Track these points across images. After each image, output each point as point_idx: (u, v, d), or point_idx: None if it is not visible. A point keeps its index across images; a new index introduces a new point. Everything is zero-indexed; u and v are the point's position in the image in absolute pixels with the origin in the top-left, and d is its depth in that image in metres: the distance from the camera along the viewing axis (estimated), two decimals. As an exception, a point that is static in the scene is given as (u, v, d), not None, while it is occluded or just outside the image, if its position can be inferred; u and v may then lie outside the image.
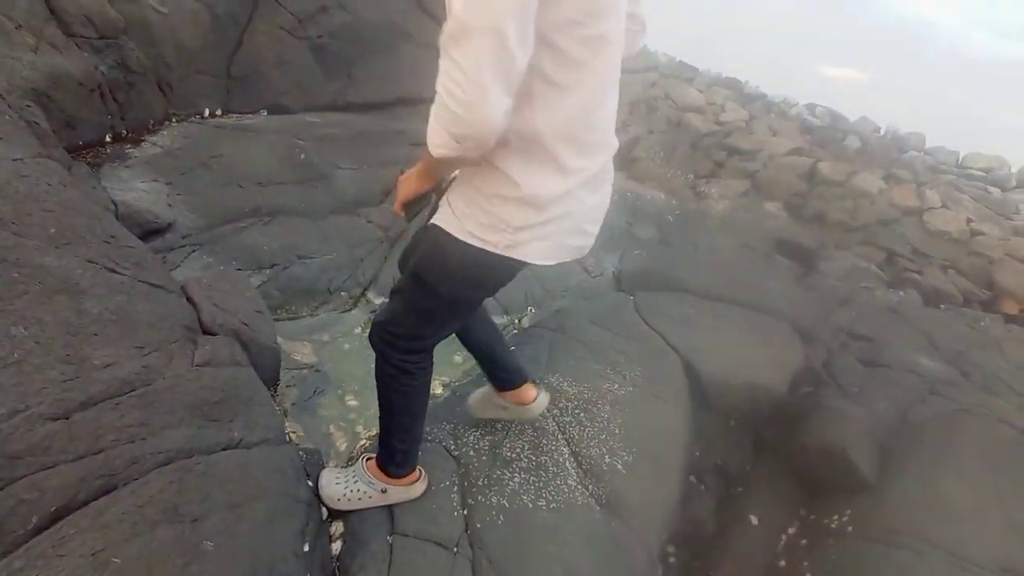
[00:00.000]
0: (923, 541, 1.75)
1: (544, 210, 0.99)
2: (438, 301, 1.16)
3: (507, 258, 1.02)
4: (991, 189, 7.19)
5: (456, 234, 1.03)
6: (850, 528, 1.92)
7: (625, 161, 6.16)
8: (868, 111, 9.31)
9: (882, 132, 8.89)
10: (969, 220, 6.05)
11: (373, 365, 2.22)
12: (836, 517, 1.99)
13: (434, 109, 0.87)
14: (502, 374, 1.61)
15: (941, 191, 6.63)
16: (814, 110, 9.33)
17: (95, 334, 1.21)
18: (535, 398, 1.65)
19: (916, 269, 5.22)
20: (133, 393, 1.17)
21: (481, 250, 1.02)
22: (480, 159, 0.94)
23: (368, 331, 1.29)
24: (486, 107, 0.81)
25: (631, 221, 4.64)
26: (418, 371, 1.29)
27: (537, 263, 1.06)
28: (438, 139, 0.88)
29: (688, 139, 6.86)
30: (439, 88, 0.84)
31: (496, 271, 1.09)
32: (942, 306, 4.73)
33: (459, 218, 1.03)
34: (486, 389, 1.71)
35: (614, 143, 1.10)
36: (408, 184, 1.14)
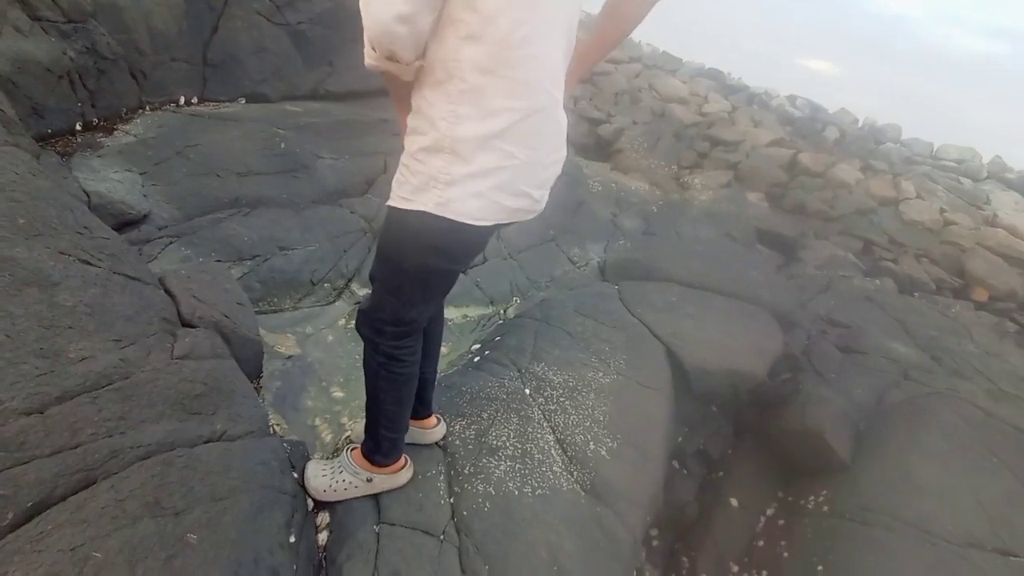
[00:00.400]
0: (894, 518, 1.82)
1: (468, 160, 0.96)
2: (406, 277, 1.15)
3: (444, 219, 1.00)
4: (963, 180, 7.40)
5: (397, 204, 1.05)
6: (826, 508, 1.99)
7: (609, 152, 6.17)
8: (847, 103, 9.49)
9: (860, 124, 9.07)
10: (942, 210, 6.22)
11: (357, 357, 2.20)
12: (812, 498, 2.05)
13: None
14: (418, 404, 1.58)
15: (916, 182, 6.80)
16: (795, 102, 9.47)
17: (69, 327, 1.18)
18: (435, 425, 1.67)
19: (892, 258, 5.35)
20: (110, 387, 1.15)
21: (422, 213, 1.01)
22: (405, 73, 0.95)
23: (354, 322, 1.29)
24: (382, 5, 0.84)
25: (616, 212, 4.67)
26: (406, 357, 1.28)
27: (470, 223, 1.01)
28: (365, 47, 0.93)
29: (671, 130, 6.89)
30: None
31: (443, 235, 1.04)
32: (916, 294, 4.87)
33: (398, 189, 1.05)
34: None
35: (555, 93, 1.02)
36: (394, 105, 1.14)
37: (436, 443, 1.70)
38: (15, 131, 1.88)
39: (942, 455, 2.10)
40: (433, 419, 1.68)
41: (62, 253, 1.33)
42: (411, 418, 1.61)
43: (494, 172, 0.99)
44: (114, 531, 0.95)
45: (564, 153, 1.12)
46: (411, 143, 1.02)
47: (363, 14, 0.87)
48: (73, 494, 0.96)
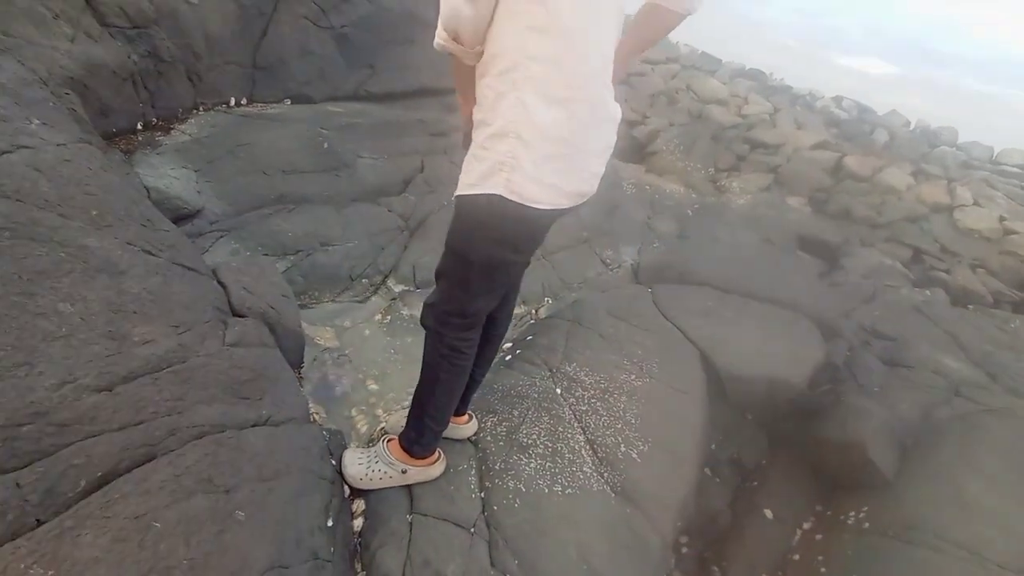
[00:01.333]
0: (942, 539, 1.73)
1: (533, 146, 1.01)
2: (472, 269, 1.18)
3: (509, 201, 1.04)
4: (1026, 186, 6.95)
5: (464, 191, 1.10)
6: (867, 524, 1.91)
7: (644, 154, 6.10)
8: (898, 104, 9.07)
9: (912, 126, 8.65)
10: (1002, 218, 5.87)
11: (392, 351, 2.26)
12: (853, 513, 1.98)
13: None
14: (460, 402, 1.63)
15: (973, 188, 6.43)
16: (841, 103, 9.12)
17: (134, 312, 1.27)
18: (467, 421, 1.71)
19: (944, 268, 5.09)
20: (169, 369, 1.22)
21: (490, 197, 1.05)
22: (468, 57, 1.06)
23: (419, 316, 1.33)
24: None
25: (650, 214, 4.62)
26: (468, 349, 1.33)
27: (534, 205, 1.06)
28: (438, 29, 1.05)
29: (709, 132, 6.76)
30: None
31: (509, 220, 1.08)
32: (970, 306, 4.62)
33: (464, 177, 1.10)
34: None
35: (608, 83, 1.09)
36: (458, 97, 1.23)
37: (468, 438, 1.73)
38: (87, 129, 2.02)
39: (996, 475, 1.99)
40: (466, 416, 1.72)
41: (128, 243, 1.43)
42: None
43: (555, 157, 1.03)
44: (172, 503, 1.02)
45: (614, 140, 1.16)
46: (479, 133, 1.08)
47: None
48: (137, 467, 1.03)
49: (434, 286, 1.30)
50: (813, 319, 2.98)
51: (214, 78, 3.32)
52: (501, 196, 1.04)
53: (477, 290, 1.23)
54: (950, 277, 4.93)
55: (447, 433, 1.67)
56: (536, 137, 1.01)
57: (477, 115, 1.09)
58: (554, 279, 3.20)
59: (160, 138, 2.84)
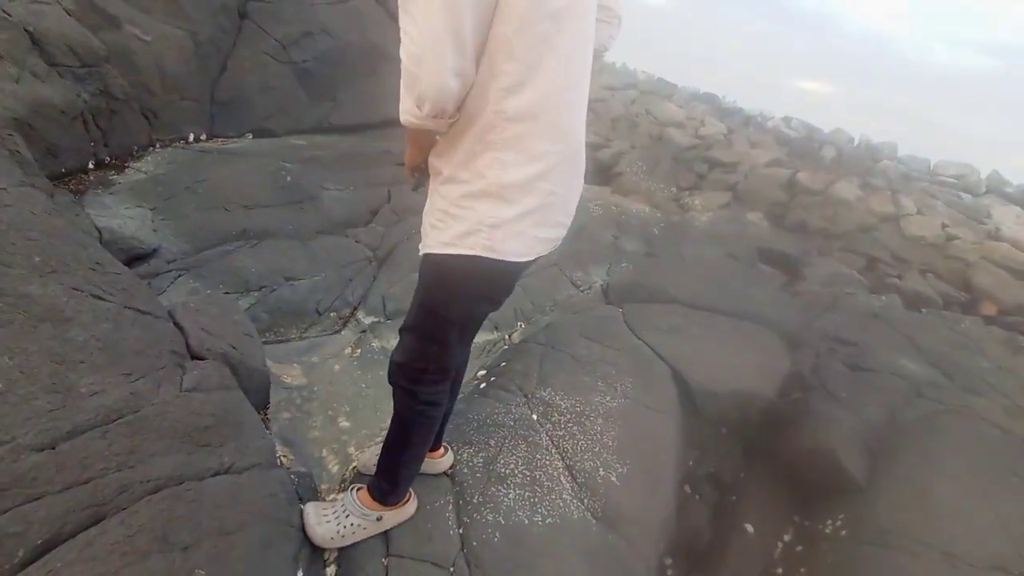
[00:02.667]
0: (915, 541, 1.77)
1: (513, 202, 0.99)
2: (450, 325, 1.16)
3: (490, 260, 1.02)
4: (963, 195, 7.45)
5: (439, 251, 1.05)
6: (844, 532, 1.93)
7: (609, 176, 6.26)
8: (841, 122, 9.64)
9: (856, 142, 9.19)
10: (944, 225, 6.24)
11: (364, 385, 2.20)
12: (830, 522, 2.00)
13: (402, 78, 0.92)
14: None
15: (915, 198, 6.84)
16: (790, 123, 9.63)
17: (81, 362, 1.20)
18: (442, 455, 1.67)
19: (896, 274, 5.34)
20: (121, 420, 1.15)
21: (469, 257, 1.02)
22: (442, 127, 0.98)
23: (387, 374, 1.27)
24: (438, 62, 0.86)
25: (617, 235, 4.71)
26: (443, 399, 1.30)
27: (514, 259, 1.04)
28: (403, 104, 0.95)
29: (670, 153, 7.00)
30: (400, 52, 0.89)
31: (490, 278, 1.08)
32: (923, 309, 4.84)
33: (438, 235, 1.06)
34: None
35: (583, 128, 1.08)
36: (408, 154, 1.16)
37: (444, 472, 1.68)
38: (31, 171, 1.94)
39: (960, 475, 2.06)
40: (441, 448, 1.67)
41: (75, 289, 1.36)
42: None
43: (536, 210, 1.02)
44: (123, 567, 0.94)
45: (583, 178, 1.16)
46: (451, 190, 1.03)
47: (414, 75, 0.89)
48: (83, 530, 0.96)
49: (401, 336, 1.24)
50: (778, 330, 3.07)
51: (171, 115, 3.26)
52: (482, 256, 1.02)
53: (453, 346, 1.21)
54: (902, 282, 5.17)
55: (423, 469, 1.62)
56: (516, 194, 0.99)
57: (443, 168, 1.05)
58: (526, 303, 3.21)
59: (113, 177, 2.75)
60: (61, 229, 1.53)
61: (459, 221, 1.02)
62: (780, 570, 1.95)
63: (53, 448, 1.01)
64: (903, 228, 6.10)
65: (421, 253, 1.12)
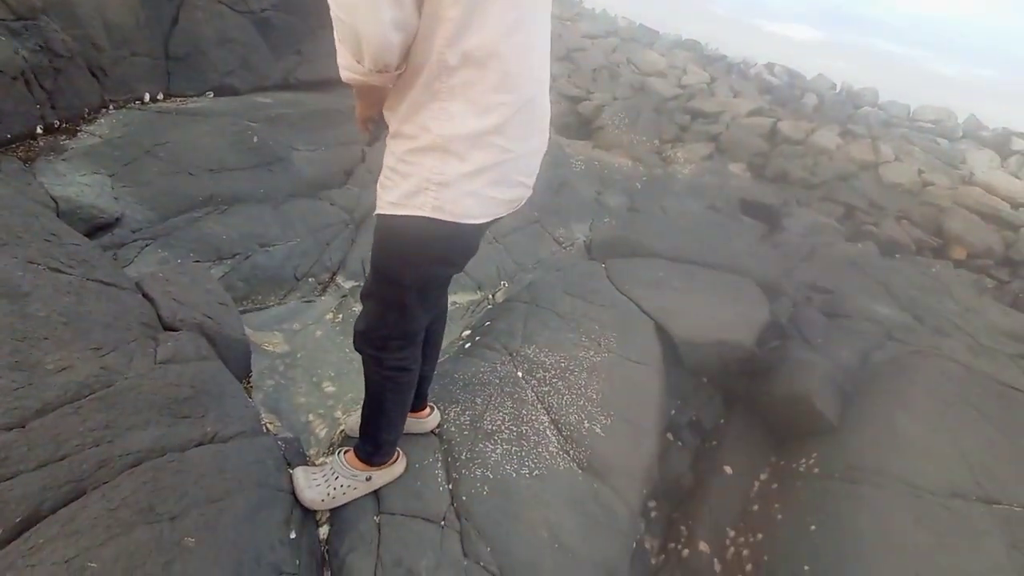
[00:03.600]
0: (881, 475, 1.87)
1: (463, 158, 0.92)
2: (407, 291, 1.11)
3: (440, 221, 0.96)
4: (940, 140, 7.50)
5: (387, 211, 1.00)
6: (816, 469, 2.03)
7: (591, 129, 6.12)
8: (824, 68, 9.50)
9: (838, 89, 9.11)
10: (920, 172, 6.31)
11: (347, 350, 2.18)
12: (804, 460, 2.10)
13: (335, 31, 0.85)
14: (415, 398, 1.59)
15: (895, 145, 6.87)
16: (773, 69, 9.46)
17: (45, 338, 1.15)
18: (429, 414, 1.68)
19: (873, 222, 5.42)
20: (93, 396, 1.12)
21: (417, 219, 0.96)
22: (388, 81, 0.90)
23: (352, 342, 1.24)
24: (374, 11, 0.78)
25: (600, 190, 4.65)
26: (411, 365, 1.27)
27: (468, 222, 0.98)
28: (340, 59, 0.87)
29: (652, 104, 6.85)
30: (331, 4, 0.81)
31: (441, 239, 1.01)
32: (897, 256, 4.95)
33: (385, 195, 1.01)
34: None
35: (542, 78, 0.99)
36: (358, 107, 1.07)
37: (431, 431, 1.70)
38: (-29, 137, 1.80)
39: (925, 411, 2.16)
40: (427, 409, 1.68)
41: (31, 262, 1.29)
42: (410, 412, 1.61)
43: (490, 168, 0.95)
44: (108, 540, 0.94)
45: (547, 136, 1.09)
46: (397, 145, 0.97)
47: (349, 29, 0.81)
48: (63, 506, 0.94)
49: (363, 303, 1.19)
50: (758, 281, 3.11)
51: (122, 72, 3.04)
52: (430, 218, 0.95)
53: (414, 310, 1.16)
54: (878, 230, 5.26)
55: (411, 428, 1.65)
56: (465, 148, 0.91)
57: (391, 122, 0.98)
58: (508, 262, 3.18)
59: (65, 142, 2.58)
60: (9, 199, 1.44)
61: (405, 179, 0.96)
62: (756, 507, 2.06)
63: (23, 427, 0.98)
64: (881, 175, 6.15)
65: (374, 214, 1.07)
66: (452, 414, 1.78)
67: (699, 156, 6.00)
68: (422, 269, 1.08)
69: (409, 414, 1.61)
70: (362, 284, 2.59)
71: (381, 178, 1.03)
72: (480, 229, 1.05)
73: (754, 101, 7.53)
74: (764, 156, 6.27)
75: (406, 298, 1.12)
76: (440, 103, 0.90)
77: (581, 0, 11.53)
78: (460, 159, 0.92)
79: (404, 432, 1.62)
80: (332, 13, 0.82)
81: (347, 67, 0.88)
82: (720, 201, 4.99)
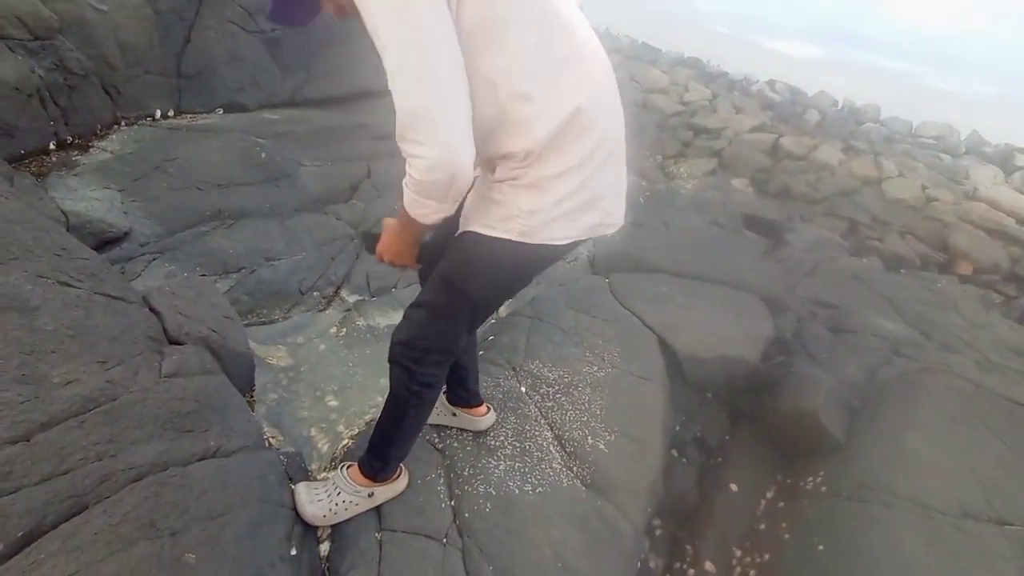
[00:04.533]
0: (891, 494, 1.84)
1: (550, 191, 0.99)
2: (468, 304, 1.14)
3: (526, 244, 1.02)
4: (943, 156, 7.51)
5: (479, 230, 1.05)
6: (824, 488, 2.00)
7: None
8: (825, 85, 9.59)
9: (839, 106, 9.16)
10: (924, 187, 6.30)
11: (351, 364, 2.19)
12: (811, 479, 2.07)
13: (417, 193, 0.91)
14: (462, 392, 1.66)
15: (897, 160, 6.88)
16: (774, 86, 9.54)
17: (52, 351, 1.16)
18: (485, 413, 1.72)
19: (877, 237, 5.41)
20: (98, 409, 1.13)
21: (505, 241, 1.02)
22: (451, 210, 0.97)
23: (388, 354, 1.25)
24: (460, 159, 0.85)
25: (602, 205, 4.67)
26: (439, 383, 1.29)
27: (553, 243, 1.04)
28: (420, 210, 0.94)
29: (655, 120, 6.92)
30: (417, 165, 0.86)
31: (522, 261, 1.07)
32: (902, 271, 4.93)
33: (479, 218, 1.06)
34: (440, 398, 1.71)
35: (612, 119, 1.05)
36: (390, 244, 1.13)
37: (435, 447, 1.69)
38: (-14, 154, 1.84)
39: (934, 429, 2.13)
40: (484, 406, 1.72)
41: (40, 276, 1.31)
42: (461, 406, 1.69)
43: (572, 195, 1.00)
44: (109, 556, 0.94)
45: (624, 169, 1.12)
46: (493, 176, 1.04)
47: (443, 171, 0.84)
48: (65, 521, 0.94)
49: (409, 314, 1.21)
50: (762, 296, 3.10)
51: (134, 90, 3.11)
52: (516, 241, 1.01)
53: (462, 325, 1.19)
54: (882, 245, 5.25)
55: (465, 426, 1.72)
56: (551, 183, 0.98)
57: (489, 195, 1.05)
58: (512, 276, 3.19)
59: (77, 157, 2.63)
60: (21, 214, 1.46)
61: (500, 207, 1.02)
62: (763, 526, 2.03)
63: (27, 440, 0.99)
64: (884, 191, 6.15)
65: (460, 231, 1.11)
66: (454, 429, 1.77)
67: (702, 171, 6.04)
68: (493, 286, 1.13)
69: (465, 411, 1.69)
70: (366, 298, 2.63)
71: (473, 202, 1.09)
72: (558, 252, 1.08)
73: (756, 117, 7.58)
74: (767, 172, 6.30)
75: (464, 310, 1.15)
76: (523, 187, 0.99)
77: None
78: (547, 192, 0.99)
79: (460, 428, 1.72)
80: (417, 177, 0.86)
81: (436, 212, 0.93)
82: (723, 216, 5.00)
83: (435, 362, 1.22)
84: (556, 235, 1.03)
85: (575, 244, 1.10)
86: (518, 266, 1.10)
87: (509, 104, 0.90)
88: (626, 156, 1.12)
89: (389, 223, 1.13)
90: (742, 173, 6.20)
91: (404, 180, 0.89)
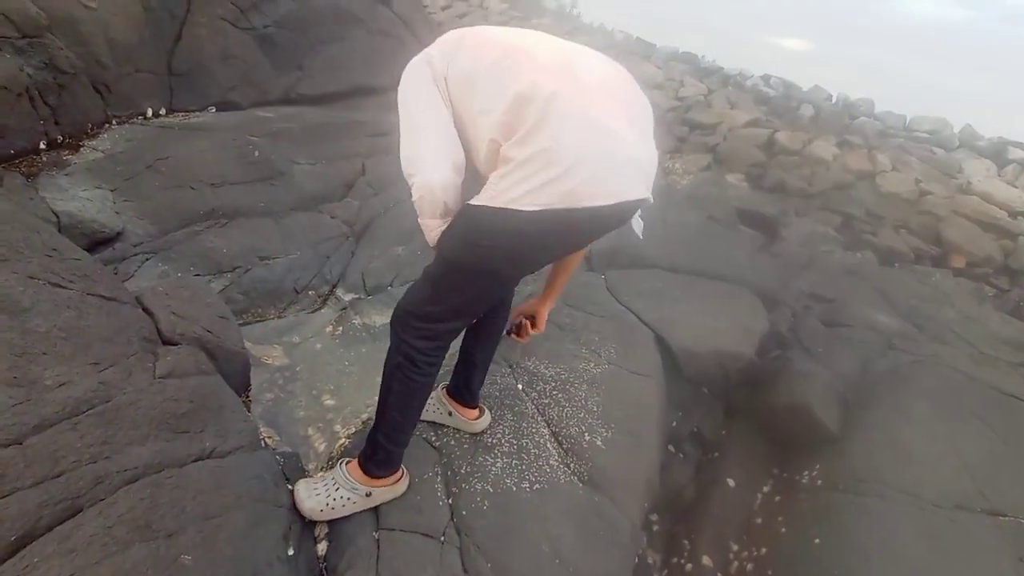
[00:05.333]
0: (884, 486, 1.85)
1: (514, 158, 1.03)
2: (456, 272, 1.16)
3: (494, 208, 1.03)
4: (936, 150, 7.53)
5: (478, 202, 1.07)
6: (819, 481, 2.02)
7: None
8: (819, 79, 9.59)
9: (834, 100, 9.17)
10: (918, 181, 6.33)
11: (347, 363, 2.19)
12: (806, 472, 2.09)
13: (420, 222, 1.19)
14: (464, 388, 1.66)
15: (891, 154, 6.90)
16: (768, 81, 9.54)
17: (44, 353, 1.15)
18: (478, 416, 1.72)
19: (871, 231, 5.44)
20: (91, 411, 1.12)
21: (479, 207, 1.06)
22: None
23: (390, 319, 1.28)
24: (432, 179, 1.12)
25: (598, 201, 4.66)
26: (425, 365, 1.25)
27: (523, 208, 1.01)
28: (433, 231, 1.18)
29: (649, 116, 6.90)
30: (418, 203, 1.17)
31: (492, 227, 1.06)
32: (896, 264, 4.96)
33: (486, 191, 1.08)
34: (438, 390, 1.72)
35: (582, 89, 1.06)
36: None
37: (432, 445, 1.69)
38: (-26, 154, 1.82)
39: (927, 420, 2.15)
40: (477, 409, 1.71)
41: (31, 277, 1.29)
42: (458, 402, 1.69)
43: (533, 158, 1.01)
44: (104, 558, 0.93)
45: (626, 137, 1.11)
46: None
47: (428, 194, 1.12)
48: (59, 524, 0.94)
49: (416, 283, 1.25)
50: (757, 290, 3.11)
51: (125, 88, 3.07)
52: (488, 206, 1.06)
53: (459, 301, 1.21)
54: (877, 239, 5.27)
55: (458, 426, 1.71)
56: (558, 157, 1.01)
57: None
58: (508, 273, 3.18)
59: (68, 157, 2.60)
60: (11, 214, 1.45)
61: (502, 178, 1.05)
62: (760, 520, 2.04)
63: (20, 443, 0.98)
64: (879, 185, 6.17)
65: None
66: (451, 427, 1.77)
67: (697, 167, 6.04)
68: (471, 253, 1.13)
69: (461, 408, 1.69)
70: (361, 296, 2.62)
71: (488, 181, 1.13)
72: (529, 219, 1.03)
73: (751, 112, 7.59)
74: (762, 167, 6.31)
75: (456, 282, 1.18)
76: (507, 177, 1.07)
77: (579, 15, 11.70)
78: (511, 161, 1.04)
79: (455, 428, 1.72)
80: (414, 198, 1.15)
81: (435, 227, 1.17)
82: (719, 211, 5.01)
83: (418, 333, 1.21)
84: (522, 200, 1.02)
85: (553, 214, 1.02)
86: (489, 231, 1.07)
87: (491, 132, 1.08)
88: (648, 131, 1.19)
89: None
90: (737, 168, 6.21)
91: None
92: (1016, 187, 6.44)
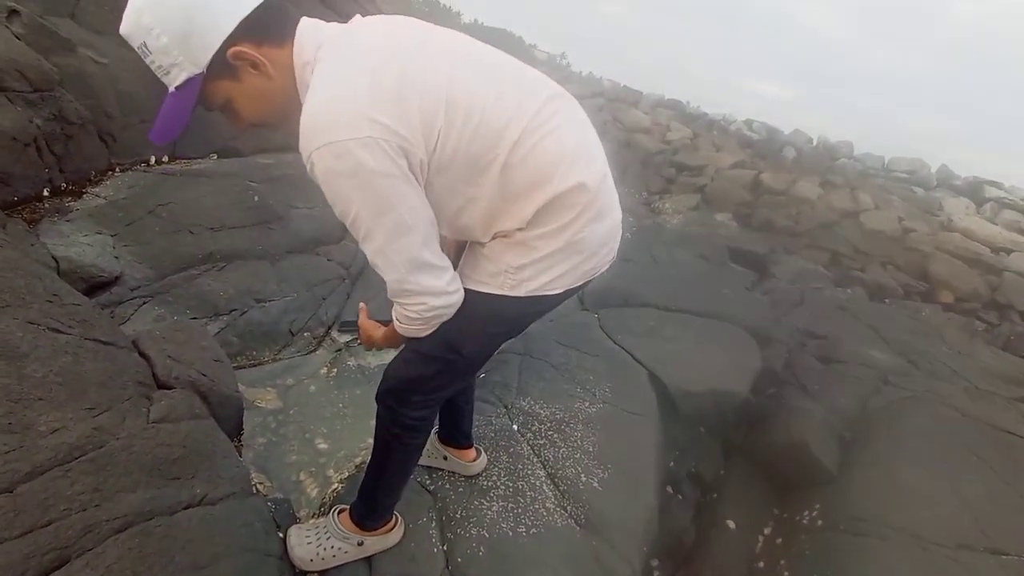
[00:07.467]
0: (886, 526, 1.83)
1: (537, 248, 1.01)
2: (460, 356, 1.13)
3: (517, 298, 1.03)
4: (915, 189, 7.80)
5: (472, 287, 1.06)
6: (820, 522, 1.99)
7: (580, 183, 6.35)
8: (799, 123, 10.01)
9: (815, 142, 9.54)
10: (900, 219, 6.52)
11: (341, 405, 2.17)
12: (807, 512, 2.05)
13: (400, 327, 1.08)
14: (454, 431, 1.66)
15: (873, 193, 7.14)
16: (751, 125, 9.95)
17: (39, 399, 1.15)
18: (475, 458, 1.70)
19: (859, 267, 5.56)
20: (84, 458, 1.11)
21: (496, 296, 1.04)
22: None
23: (377, 390, 1.24)
24: (431, 302, 1.00)
25: (591, 240, 4.75)
26: (424, 429, 1.26)
27: (543, 294, 1.05)
28: (415, 332, 1.08)
29: (638, 158, 7.16)
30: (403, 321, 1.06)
31: (513, 316, 1.10)
32: (886, 300, 5.04)
33: (471, 273, 1.08)
34: (431, 436, 1.70)
35: (595, 168, 1.05)
36: (375, 337, 1.20)
37: (427, 489, 1.67)
38: (-19, 202, 1.87)
39: (924, 458, 2.14)
40: (472, 451, 1.69)
41: (31, 323, 1.31)
42: (451, 446, 1.67)
43: (566, 249, 1.02)
44: (89, 613, 0.91)
45: (618, 212, 1.13)
46: (482, 245, 1.07)
47: (429, 311, 1.01)
48: (46, 575, 0.92)
49: (403, 352, 1.20)
50: (750, 328, 3.15)
51: (130, 137, 3.17)
52: (506, 295, 1.04)
53: (459, 377, 1.21)
54: (865, 275, 5.38)
55: (454, 469, 1.69)
56: (540, 242, 1.01)
57: (479, 255, 1.09)
58: (503, 313, 3.21)
59: (70, 203, 2.66)
60: (14, 261, 1.48)
61: (490, 262, 1.05)
62: (762, 563, 1.99)
63: (11, 491, 0.97)
64: (863, 223, 6.35)
65: None
66: (446, 471, 1.75)
67: (686, 207, 6.21)
68: (486, 340, 1.15)
69: (455, 452, 1.66)
70: (356, 338, 2.62)
71: (467, 259, 1.11)
72: (553, 300, 1.09)
73: (736, 155, 7.88)
74: (749, 206, 6.49)
75: (454, 362, 1.14)
76: (508, 248, 1.04)
77: (568, 64, 12.30)
78: (535, 249, 1.01)
79: (449, 471, 1.69)
80: (407, 320, 1.04)
81: (426, 329, 1.07)
82: (709, 250, 5.11)
83: (419, 405, 1.20)
84: (546, 287, 1.04)
85: (571, 291, 1.10)
86: (509, 319, 1.11)
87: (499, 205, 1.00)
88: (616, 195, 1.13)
89: (372, 326, 1.20)
90: (725, 208, 6.39)
91: (396, 316, 1.07)
92: (995, 224, 6.64)
